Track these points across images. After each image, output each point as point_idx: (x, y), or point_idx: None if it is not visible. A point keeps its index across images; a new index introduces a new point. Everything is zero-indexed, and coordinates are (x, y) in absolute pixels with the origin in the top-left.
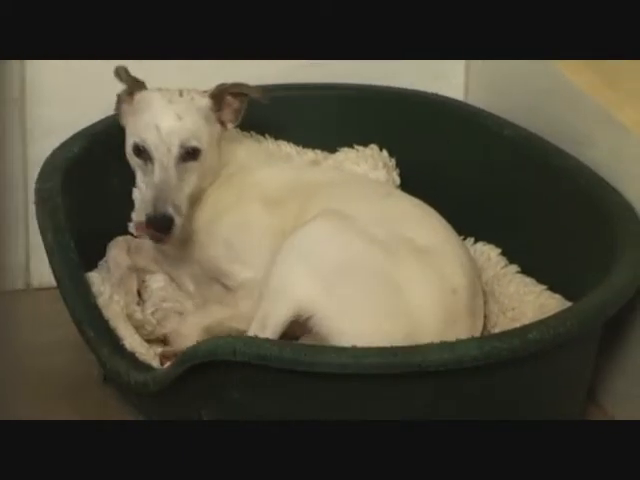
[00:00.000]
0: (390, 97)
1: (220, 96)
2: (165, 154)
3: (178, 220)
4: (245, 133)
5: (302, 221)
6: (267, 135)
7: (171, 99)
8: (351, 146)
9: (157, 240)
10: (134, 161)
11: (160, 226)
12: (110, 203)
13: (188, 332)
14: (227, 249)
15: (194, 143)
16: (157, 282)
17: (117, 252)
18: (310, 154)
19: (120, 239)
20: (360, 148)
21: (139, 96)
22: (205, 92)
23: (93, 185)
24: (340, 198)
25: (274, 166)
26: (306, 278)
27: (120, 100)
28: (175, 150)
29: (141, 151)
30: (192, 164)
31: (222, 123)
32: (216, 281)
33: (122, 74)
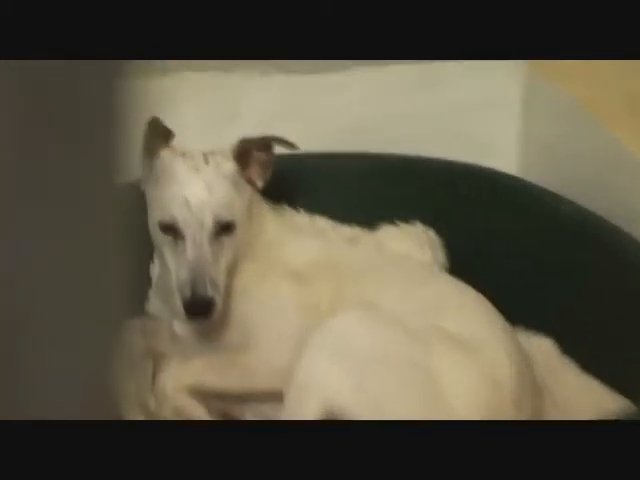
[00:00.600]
0: (438, 170)
1: (245, 154)
2: (198, 230)
3: (218, 299)
4: (276, 206)
5: (335, 307)
6: (300, 209)
7: (197, 167)
8: (393, 222)
9: (198, 323)
10: (160, 238)
11: (201, 309)
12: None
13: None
14: (250, 328)
15: (228, 217)
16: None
17: (131, 336)
18: (347, 230)
19: (135, 322)
20: (403, 225)
21: (160, 160)
22: (228, 152)
23: None
24: (376, 284)
25: (304, 241)
26: (336, 374)
27: (144, 161)
28: (209, 225)
29: (169, 228)
30: (226, 239)
31: (251, 182)
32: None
33: (156, 127)
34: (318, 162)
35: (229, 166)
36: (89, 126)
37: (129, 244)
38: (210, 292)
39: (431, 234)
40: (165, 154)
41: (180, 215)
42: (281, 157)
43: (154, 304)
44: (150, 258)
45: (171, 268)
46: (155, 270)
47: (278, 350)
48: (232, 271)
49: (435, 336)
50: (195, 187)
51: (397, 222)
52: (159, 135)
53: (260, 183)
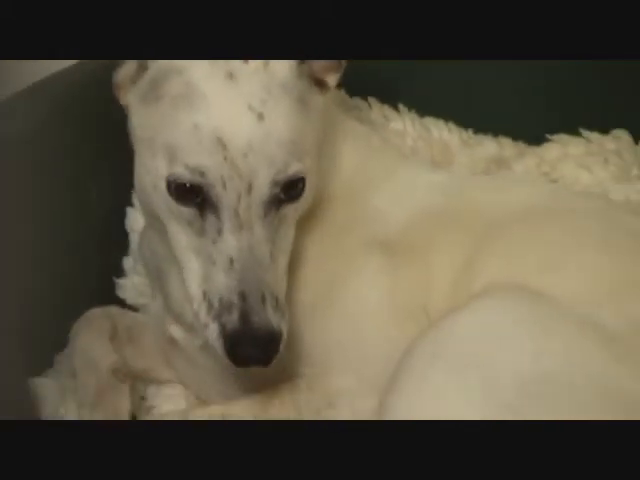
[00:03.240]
0: None
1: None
2: (244, 198)
3: (284, 326)
4: (360, 101)
5: (463, 294)
6: (402, 105)
7: (231, 71)
8: (573, 131)
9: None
10: (168, 205)
11: (260, 352)
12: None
13: None
14: (318, 347)
15: (295, 168)
16: (168, 399)
17: (92, 339)
18: (491, 146)
19: (97, 313)
20: (592, 135)
21: (160, 68)
22: None
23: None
24: (540, 251)
25: (415, 177)
26: (469, 409)
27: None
28: (264, 189)
29: (188, 192)
30: (290, 209)
31: (319, 83)
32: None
33: None
34: None
35: (285, 67)
36: None
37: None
38: (274, 318)
39: None
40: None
41: (211, 167)
42: None
43: (133, 283)
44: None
45: (188, 266)
46: (136, 218)
47: (369, 377)
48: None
49: None
50: (234, 112)
51: (581, 129)
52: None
53: (333, 81)
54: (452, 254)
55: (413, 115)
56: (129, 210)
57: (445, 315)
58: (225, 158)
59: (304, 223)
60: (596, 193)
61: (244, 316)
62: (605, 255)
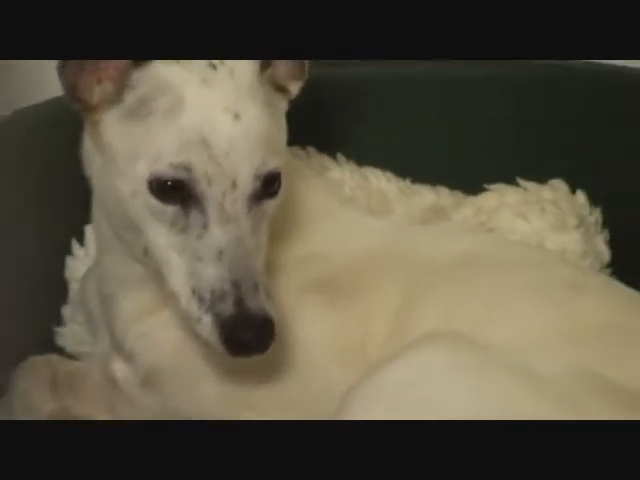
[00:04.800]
0: (595, 76)
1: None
2: (229, 193)
3: (275, 315)
4: (299, 150)
5: (399, 339)
6: (340, 154)
7: (205, 76)
8: (510, 181)
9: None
10: (150, 207)
11: (258, 338)
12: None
13: None
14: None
15: (273, 163)
16: None
17: (32, 386)
18: (428, 195)
19: (38, 360)
20: (529, 185)
21: (146, 72)
22: None
23: None
24: (474, 296)
25: (348, 220)
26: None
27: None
28: (247, 184)
29: (172, 190)
30: (269, 204)
31: (281, 89)
32: None
33: None
34: (374, 70)
35: (247, 67)
36: None
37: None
38: (267, 304)
39: (580, 201)
40: (151, 66)
41: (197, 164)
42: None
43: (73, 331)
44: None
45: (171, 266)
46: (76, 267)
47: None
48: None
49: (587, 390)
50: (214, 113)
51: (518, 178)
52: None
53: (295, 88)
54: (391, 298)
55: (351, 165)
56: (68, 259)
57: (380, 363)
58: (209, 156)
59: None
60: (532, 243)
61: (239, 302)
62: (538, 305)
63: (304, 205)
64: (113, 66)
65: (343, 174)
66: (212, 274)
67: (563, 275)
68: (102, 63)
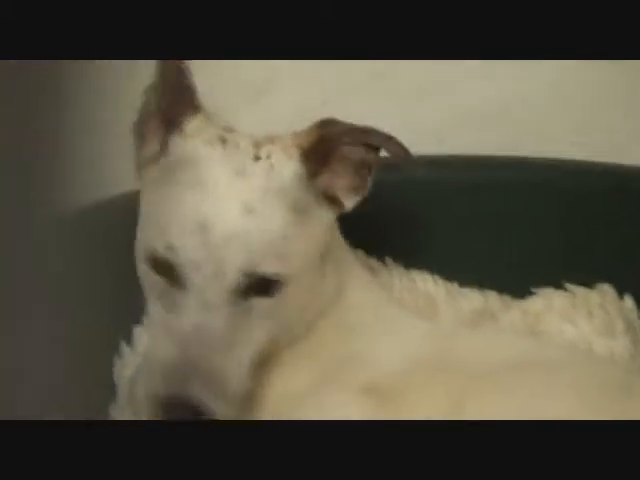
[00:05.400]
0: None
1: (324, 149)
2: (211, 282)
3: (217, 406)
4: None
5: None
6: (388, 258)
7: (243, 167)
8: (557, 285)
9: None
10: (147, 278)
11: (173, 414)
12: None
13: None
14: None
15: (272, 269)
16: None
17: None
18: (476, 298)
19: None
20: (577, 289)
21: (178, 146)
22: (291, 141)
23: None
24: (524, 406)
25: (404, 326)
26: None
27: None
28: (231, 278)
29: (162, 265)
30: (263, 304)
31: (332, 200)
32: None
33: (180, 80)
34: (421, 174)
35: (289, 169)
36: None
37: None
38: (196, 392)
39: (628, 306)
40: (188, 138)
41: (186, 248)
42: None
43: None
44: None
45: (154, 332)
46: (123, 366)
47: None
48: (268, 359)
49: None
50: (227, 202)
51: (565, 282)
52: (183, 97)
53: (349, 203)
54: (438, 405)
55: (399, 268)
56: (116, 359)
57: None
58: (203, 243)
59: (294, 342)
60: (580, 347)
61: (167, 380)
62: (589, 407)
63: (361, 310)
64: (156, 124)
65: (391, 277)
66: (169, 348)
67: (614, 377)
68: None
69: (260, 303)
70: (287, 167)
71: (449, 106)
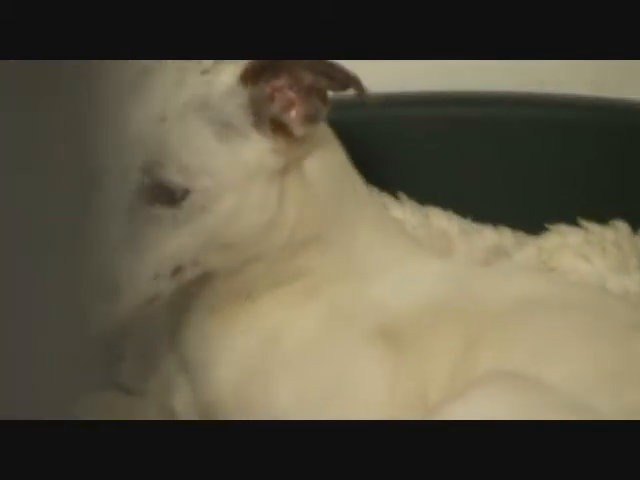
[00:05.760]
0: None
1: (276, 74)
2: (117, 184)
3: (100, 307)
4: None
5: (461, 384)
6: (402, 193)
7: (183, 79)
8: (572, 221)
9: None
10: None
11: None
12: None
13: None
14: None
15: (172, 177)
16: None
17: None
18: (490, 235)
19: (98, 398)
20: (591, 226)
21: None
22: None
23: None
24: (539, 341)
25: (420, 267)
26: None
27: None
28: (133, 179)
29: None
30: (168, 212)
31: (280, 127)
32: None
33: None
34: (436, 111)
35: (227, 86)
36: None
37: None
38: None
39: None
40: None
41: (104, 151)
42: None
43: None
44: None
45: None
46: None
47: None
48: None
49: None
50: (149, 110)
51: (579, 220)
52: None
53: (299, 132)
54: (452, 345)
55: (413, 203)
56: None
57: (440, 405)
58: (117, 146)
59: (297, 298)
60: (593, 284)
61: None
62: (593, 346)
63: (376, 252)
64: None
65: (405, 213)
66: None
67: (622, 316)
68: None
69: (165, 212)
70: (222, 84)
71: None
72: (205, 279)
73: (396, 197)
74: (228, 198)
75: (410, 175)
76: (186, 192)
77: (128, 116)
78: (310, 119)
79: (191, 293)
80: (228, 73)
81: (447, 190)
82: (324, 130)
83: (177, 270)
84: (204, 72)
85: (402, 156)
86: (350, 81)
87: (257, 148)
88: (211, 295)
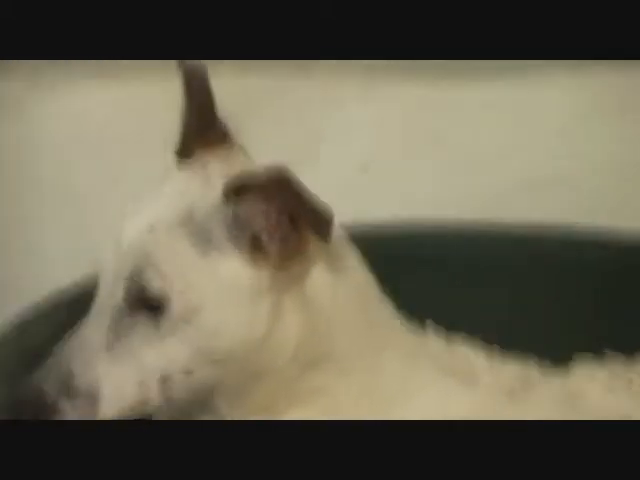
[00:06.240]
0: None
1: (246, 201)
2: (106, 291)
3: (66, 407)
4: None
5: None
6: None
7: (186, 189)
8: (599, 353)
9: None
10: None
11: (21, 410)
12: None
13: None
14: None
15: (154, 283)
16: None
17: None
18: (516, 364)
19: None
20: (616, 357)
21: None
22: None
23: None
24: None
25: (445, 395)
26: None
27: None
28: (120, 286)
29: None
30: (148, 323)
31: (259, 246)
32: None
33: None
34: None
35: (212, 202)
36: None
37: None
38: (48, 388)
39: None
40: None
41: (102, 259)
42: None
43: None
44: None
45: None
46: None
47: None
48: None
49: None
50: (142, 220)
51: (606, 350)
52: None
53: (274, 251)
54: None
55: (439, 331)
56: None
57: None
58: (114, 254)
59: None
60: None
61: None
62: None
63: (400, 378)
64: None
65: (430, 340)
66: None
67: None
68: None
69: (148, 321)
70: (210, 198)
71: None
72: (221, 393)
73: (423, 324)
74: (209, 312)
75: (437, 305)
76: (168, 301)
77: (128, 225)
78: (285, 242)
79: (210, 408)
80: (220, 186)
81: (474, 320)
82: (337, 250)
83: (165, 379)
84: (205, 181)
85: (431, 292)
86: (318, 225)
87: (234, 265)
88: (228, 410)
